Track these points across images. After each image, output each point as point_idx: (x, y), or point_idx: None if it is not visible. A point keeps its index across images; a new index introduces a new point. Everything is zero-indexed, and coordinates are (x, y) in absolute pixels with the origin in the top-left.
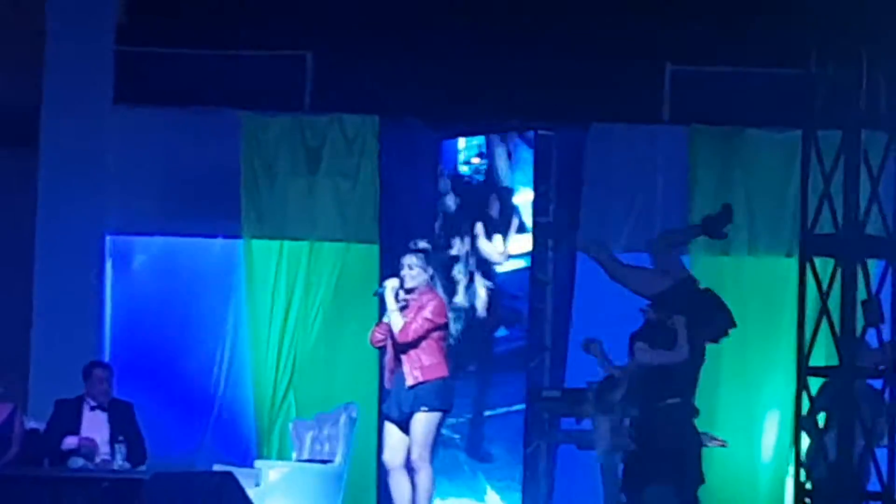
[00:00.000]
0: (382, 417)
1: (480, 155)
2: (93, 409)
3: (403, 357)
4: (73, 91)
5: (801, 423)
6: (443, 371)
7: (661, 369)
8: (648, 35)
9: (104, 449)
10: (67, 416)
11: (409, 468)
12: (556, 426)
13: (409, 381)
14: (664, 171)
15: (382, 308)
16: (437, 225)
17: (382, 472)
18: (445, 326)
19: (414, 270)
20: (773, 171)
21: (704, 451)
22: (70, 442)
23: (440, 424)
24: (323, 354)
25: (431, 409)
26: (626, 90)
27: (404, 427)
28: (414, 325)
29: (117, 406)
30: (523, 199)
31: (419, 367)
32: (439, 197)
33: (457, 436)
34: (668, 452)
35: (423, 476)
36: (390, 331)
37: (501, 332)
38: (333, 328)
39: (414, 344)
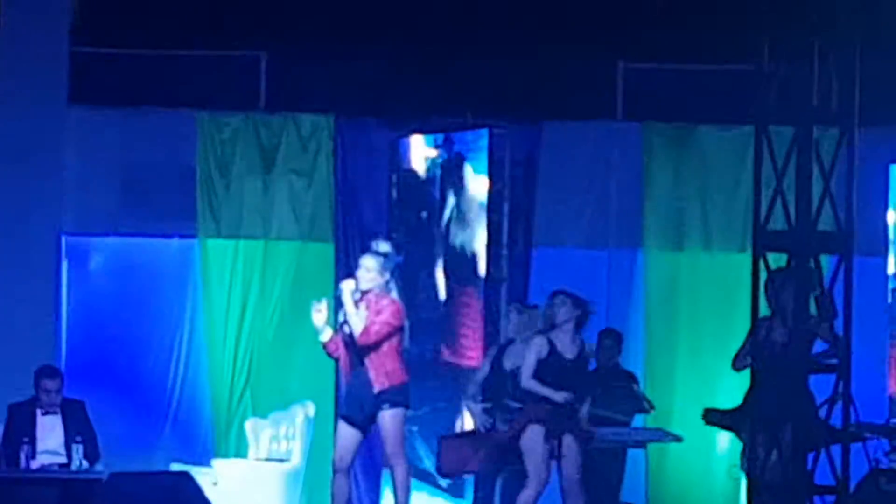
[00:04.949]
0: (339, 418)
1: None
2: (45, 413)
3: (367, 362)
4: (27, 91)
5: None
6: (403, 376)
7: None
8: (601, 33)
9: (61, 451)
10: (21, 421)
11: (386, 465)
12: None
13: (377, 388)
14: (618, 168)
15: (337, 308)
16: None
17: None
18: (402, 330)
19: (371, 273)
20: (727, 167)
21: (660, 447)
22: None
23: (404, 420)
24: (279, 353)
25: (394, 406)
26: (579, 88)
27: (363, 428)
28: (375, 328)
29: (70, 406)
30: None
31: (384, 374)
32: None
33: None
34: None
35: (401, 470)
36: (349, 336)
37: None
38: (289, 327)
39: (374, 347)
